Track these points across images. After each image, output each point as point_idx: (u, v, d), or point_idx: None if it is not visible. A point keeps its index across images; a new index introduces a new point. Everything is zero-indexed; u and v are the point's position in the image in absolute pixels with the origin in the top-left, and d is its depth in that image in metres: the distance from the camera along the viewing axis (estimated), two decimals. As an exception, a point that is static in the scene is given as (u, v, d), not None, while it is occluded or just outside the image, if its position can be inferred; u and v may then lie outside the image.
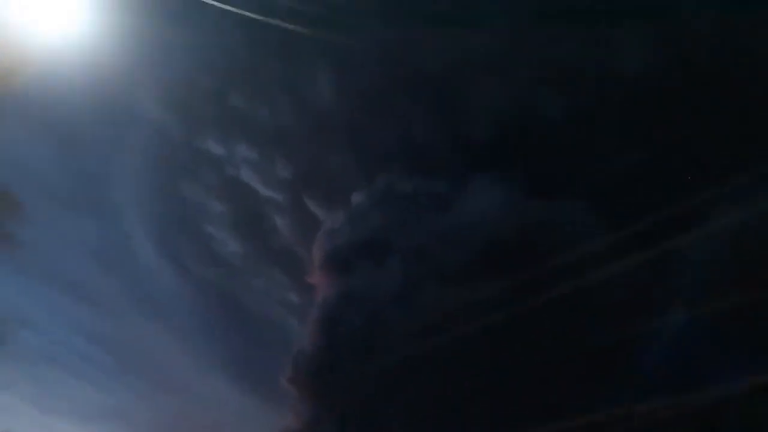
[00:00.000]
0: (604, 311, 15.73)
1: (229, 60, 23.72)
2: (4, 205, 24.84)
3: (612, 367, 15.06)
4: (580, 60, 18.97)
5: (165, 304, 30.37)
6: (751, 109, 14.90)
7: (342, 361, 19.09)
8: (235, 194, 26.59)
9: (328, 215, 24.10)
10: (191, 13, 17.75)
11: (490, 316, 16.26)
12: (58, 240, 28.50)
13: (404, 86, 22.28)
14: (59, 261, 28.99)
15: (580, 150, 19.61)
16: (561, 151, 20.05)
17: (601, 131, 19.39)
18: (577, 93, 19.57)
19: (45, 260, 28.43)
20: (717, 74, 15.31)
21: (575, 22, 18.03)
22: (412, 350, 17.72)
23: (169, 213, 29.30)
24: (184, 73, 24.65)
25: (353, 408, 18.59)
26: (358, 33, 20.40)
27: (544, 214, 19.77)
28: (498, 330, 16.24)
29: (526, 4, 18.50)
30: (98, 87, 20.74)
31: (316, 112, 24.19)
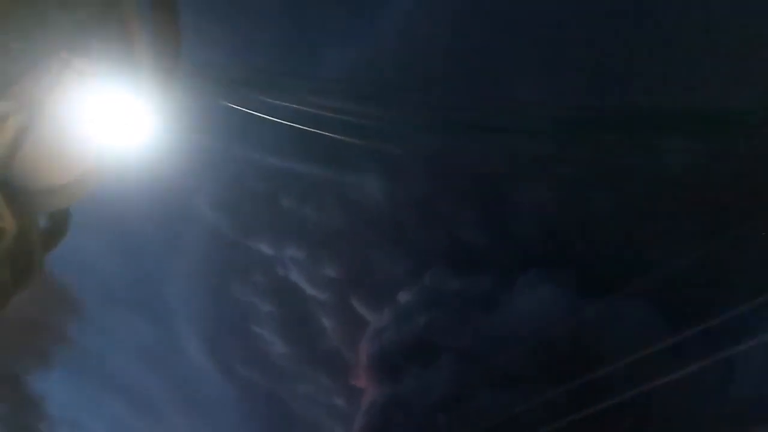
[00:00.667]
0: (668, 419, 14.66)
1: (281, 165, 24.88)
2: (65, 307, 25.76)
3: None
4: (628, 161, 19.09)
5: (211, 406, 30.07)
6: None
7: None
8: (283, 295, 26.82)
9: (375, 315, 23.92)
10: (246, 124, 18.90)
11: (546, 424, 15.29)
12: (112, 340, 29.10)
13: (451, 186, 22.68)
14: (112, 362, 29.41)
15: (630, 247, 19.21)
16: (608, 248, 19.68)
17: (650, 229, 19.04)
18: (625, 192, 19.48)
19: (99, 361, 28.92)
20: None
21: (622, 125, 18.33)
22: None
23: (220, 313, 29.69)
24: (238, 178, 25.92)
25: None
26: (405, 140, 21.20)
27: (597, 312, 19.10)
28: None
29: (571, 110, 18.96)
30: (159, 193, 21.92)
31: (364, 213, 24.73)
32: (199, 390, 30.11)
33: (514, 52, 20.01)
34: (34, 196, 2.35)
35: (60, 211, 2.72)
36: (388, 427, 20.43)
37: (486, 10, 20.77)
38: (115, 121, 2.62)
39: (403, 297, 23.28)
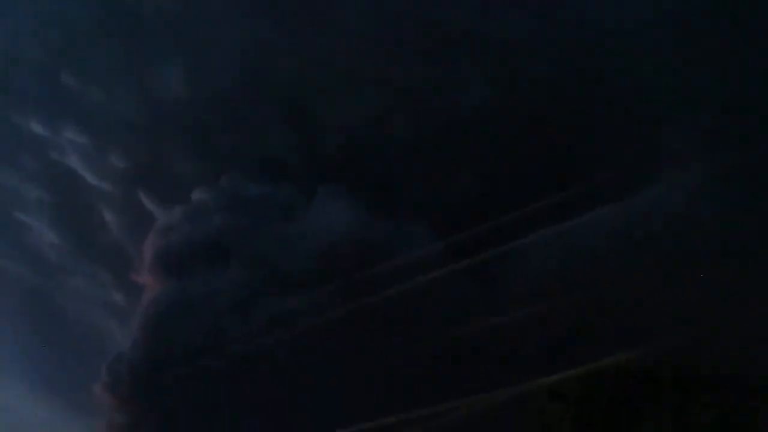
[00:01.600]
0: (431, 316, 16.63)
1: (64, 34, 21.64)
2: None
3: (437, 366, 15.99)
4: (429, 87, 20.13)
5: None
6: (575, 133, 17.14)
7: (168, 364, 17.94)
8: (57, 180, 24.08)
9: (164, 212, 22.74)
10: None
11: (323, 319, 16.38)
12: None
13: (258, 89, 22.03)
14: None
15: (423, 170, 20.64)
16: (404, 169, 20.95)
17: (443, 153, 20.54)
18: (424, 117, 20.65)
19: None
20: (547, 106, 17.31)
21: (429, 52, 19.07)
22: (244, 352, 17.22)
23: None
24: (6, 43, 22.17)
25: (178, 411, 17.50)
26: (216, 26, 19.87)
27: (383, 228, 20.49)
28: (330, 332, 16.39)
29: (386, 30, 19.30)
30: None
31: (161, 103, 22.88)
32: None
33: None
34: None
35: None
36: (169, 325, 20.00)
37: None
38: None
39: (197, 196, 22.46)
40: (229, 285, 20.61)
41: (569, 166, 16.55)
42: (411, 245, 19.99)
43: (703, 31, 15.35)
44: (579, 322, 14.18)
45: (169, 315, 19.87)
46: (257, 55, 21.34)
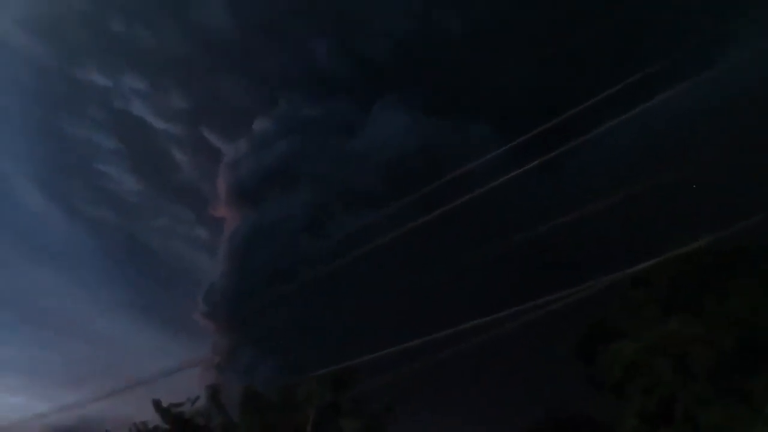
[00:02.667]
0: (507, 220, 16.52)
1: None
2: None
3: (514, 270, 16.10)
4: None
5: (59, 250, 28.50)
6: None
7: (257, 289, 18.98)
8: (127, 129, 24.87)
9: (230, 145, 23.23)
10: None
11: (396, 232, 16.50)
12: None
13: (300, 9, 21.43)
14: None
15: (479, 68, 19.85)
16: (461, 70, 20.22)
17: (498, 49, 19.61)
18: (473, 12, 19.59)
19: None
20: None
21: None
22: (325, 271, 17.85)
23: (54, 152, 27.03)
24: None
25: (271, 333, 18.69)
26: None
27: (446, 133, 20.09)
28: (404, 244, 16.61)
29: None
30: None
31: (207, 36, 22.75)
32: (42, 234, 28.20)
33: None
34: None
35: None
36: (253, 252, 20.89)
37: None
38: None
39: (259, 125, 22.70)
40: (301, 208, 21.15)
41: (637, 48, 15.51)
42: (476, 148, 19.66)
43: None
44: (660, 206, 13.78)
45: (251, 244, 20.76)
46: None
